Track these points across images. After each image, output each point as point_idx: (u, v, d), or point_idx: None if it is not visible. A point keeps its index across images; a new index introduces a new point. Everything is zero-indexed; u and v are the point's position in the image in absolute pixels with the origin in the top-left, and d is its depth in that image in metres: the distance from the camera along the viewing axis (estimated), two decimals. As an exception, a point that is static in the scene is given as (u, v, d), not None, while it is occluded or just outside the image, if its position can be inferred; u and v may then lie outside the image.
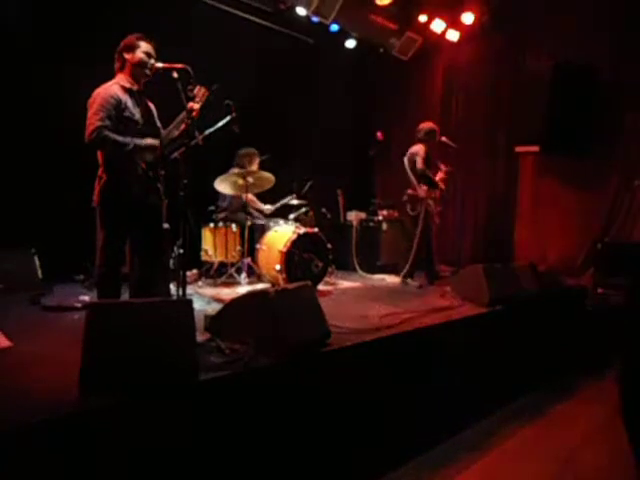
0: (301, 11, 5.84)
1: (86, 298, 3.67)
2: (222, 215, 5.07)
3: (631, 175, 5.36)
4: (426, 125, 5.16)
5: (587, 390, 3.97)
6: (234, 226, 4.86)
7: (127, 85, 2.95)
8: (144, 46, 2.96)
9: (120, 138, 2.80)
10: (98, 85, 2.89)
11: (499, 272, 4.05)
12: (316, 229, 4.72)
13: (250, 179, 4.63)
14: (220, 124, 3.72)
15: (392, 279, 5.49)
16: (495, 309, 3.76)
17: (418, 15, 6.33)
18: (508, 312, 3.84)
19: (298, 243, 4.38)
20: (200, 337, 2.42)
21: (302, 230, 4.53)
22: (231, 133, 3.75)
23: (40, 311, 3.45)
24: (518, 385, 3.83)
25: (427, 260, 5.11)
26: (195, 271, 4.95)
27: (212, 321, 2.65)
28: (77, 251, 3.94)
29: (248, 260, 4.77)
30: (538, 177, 6.14)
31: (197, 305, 3.31)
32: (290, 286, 2.72)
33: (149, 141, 2.92)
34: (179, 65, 2.90)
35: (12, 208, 4.07)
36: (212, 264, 4.97)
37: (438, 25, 6.39)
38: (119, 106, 2.84)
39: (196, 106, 2.97)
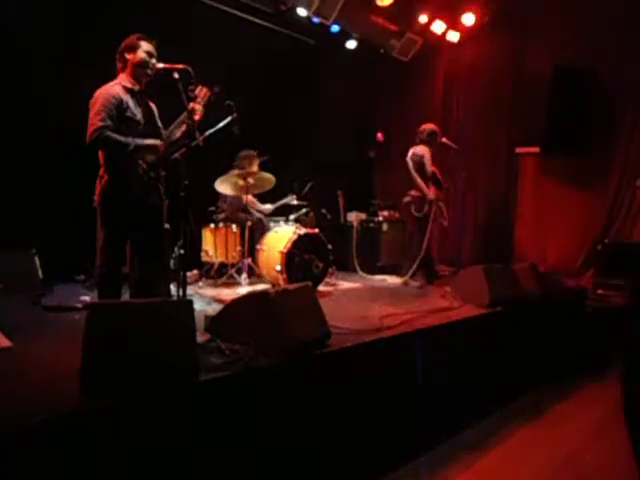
0: (302, 12, 5.85)
1: (86, 298, 3.66)
2: (222, 216, 5.07)
3: (631, 175, 5.37)
4: (428, 126, 5.17)
5: (587, 390, 3.97)
6: (234, 227, 4.87)
7: (128, 85, 2.94)
8: (145, 46, 2.96)
9: (121, 138, 2.80)
10: (98, 85, 2.89)
11: (500, 273, 4.05)
12: (316, 230, 4.71)
13: (250, 180, 4.63)
14: (221, 125, 3.72)
15: (392, 280, 5.49)
16: (496, 310, 3.76)
17: (418, 16, 6.33)
18: (508, 313, 3.84)
19: (298, 244, 4.38)
20: (200, 338, 2.42)
21: (302, 231, 4.53)
22: (232, 134, 3.75)
23: (40, 311, 3.44)
24: (518, 385, 3.83)
25: (426, 260, 5.12)
26: (195, 272, 4.95)
27: (212, 322, 2.65)
28: (77, 251, 3.93)
29: (248, 261, 4.77)
30: (538, 178, 6.15)
31: (197, 305, 3.30)
32: (290, 287, 2.72)
33: (150, 141, 2.92)
34: (180, 65, 2.89)
35: (12, 208, 4.07)
36: (212, 265, 4.98)
37: (438, 26, 6.40)
38: (120, 106, 2.84)
39: (197, 107, 2.97)
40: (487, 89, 6.48)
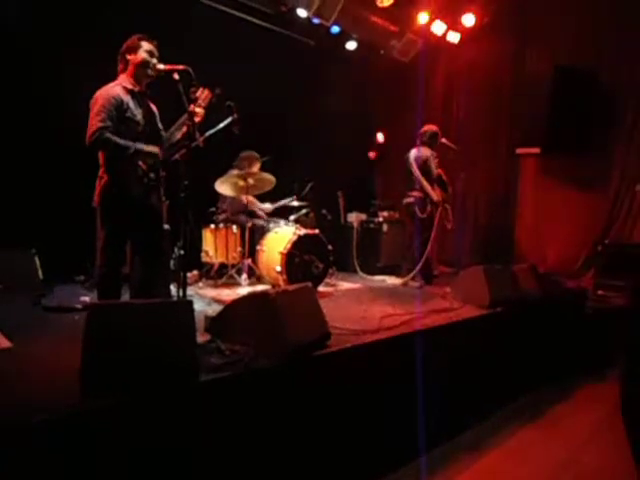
0: (302, 13, 5.86)
1: (86, 299, 3.66)
2: (223, 216, 5.07)
3: (631, 176, 5.37)
4: (430, 128, 5.20)
5: (587, 390, 3.97)
6: (234, 227, 4.87)
7: (129, 86, 2.94)
8: (146, 45, 2.95)
9: (122, 141, 2.79)
10: (99, 85, 2.89)
11: (500, 274, 4.05)
12: (316, 230, 4.71)
13: (251, 180, 4.63)
14: (221, 125, 3.72)
15: (392, 280, 5.49)
16: (496, 311, 3.76)
17: (419, 17, 6.33)
18: (509, 314, 3.84)
19: (298, 244, 4.38)
20: (200, 338, 2.42)
21: (302, 231, 4.53)
22: (232, 134, 3.75)
23: (40, 311, 3.44)
24: (518, 385, 3.83)
25: (425, 261, 5.12)
26: (196, 272, 4.95)
27: (212, 322, 2.65)
28: (78, 251, 3.94)
29: (248, 261, 4.77)
30: (539, 178, 6.16)
31: (197, 306, 3.29)
32: (290, 287, 2.71)
33: (150, 148, 2.91)
34: (180, 66, 2.88)
35: (12, 208, 4.07)
36: (212, 265, 4.98)
37: (439, 27, 6.41)
38: (121, 107, 2.83)
39: (198, 109, 2.92)
40: (487, 89, 6.49)
